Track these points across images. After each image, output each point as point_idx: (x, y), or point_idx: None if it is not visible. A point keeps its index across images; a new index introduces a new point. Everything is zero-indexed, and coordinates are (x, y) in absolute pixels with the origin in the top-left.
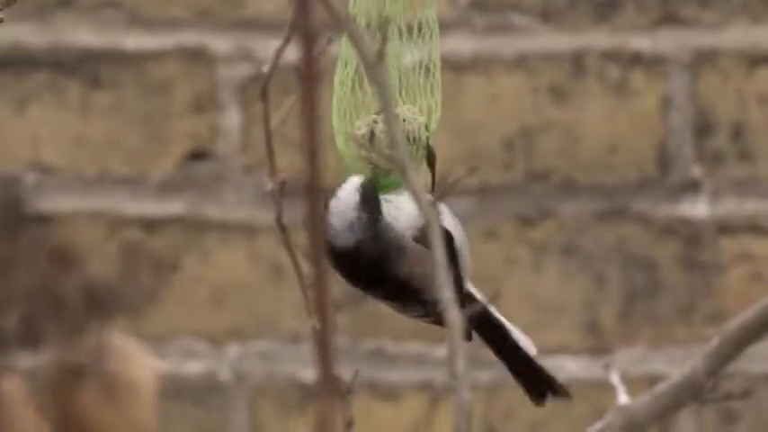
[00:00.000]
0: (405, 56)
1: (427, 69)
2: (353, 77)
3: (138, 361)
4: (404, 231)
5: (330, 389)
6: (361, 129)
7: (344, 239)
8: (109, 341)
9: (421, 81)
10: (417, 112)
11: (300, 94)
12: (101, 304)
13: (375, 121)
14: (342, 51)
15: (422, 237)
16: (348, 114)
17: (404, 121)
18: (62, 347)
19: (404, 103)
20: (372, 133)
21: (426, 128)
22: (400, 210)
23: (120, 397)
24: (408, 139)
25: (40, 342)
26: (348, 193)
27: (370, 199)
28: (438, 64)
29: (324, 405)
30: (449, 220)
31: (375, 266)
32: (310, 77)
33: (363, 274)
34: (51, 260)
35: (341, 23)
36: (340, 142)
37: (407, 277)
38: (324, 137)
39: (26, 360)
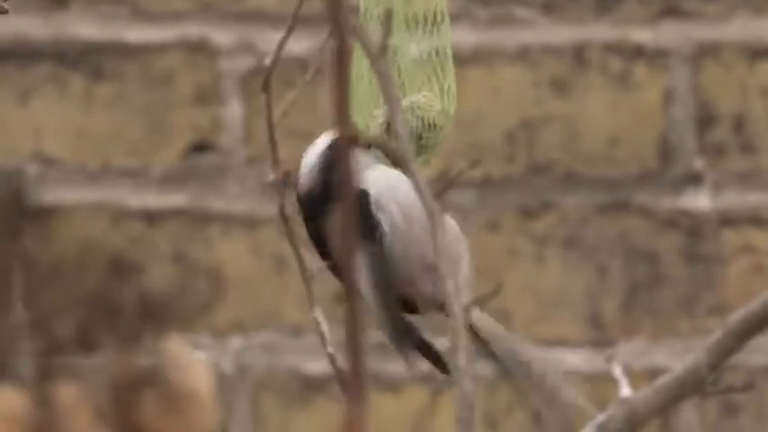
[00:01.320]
0: (415, 45)
1: (439, 58)
2: (370, 70)
3: (197, 369)
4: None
5: (359, 388)
6: (379, 118)
7: (304, 183)
8: (167, 350)
9: (435, 70)
10: (434, 99)
11: (332, 85)
12: (156, 314)
13: None
14: (358, 44)
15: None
16: (366, 107)
17: (419, 108)
18: (121, 356)
19: (419, 91)
20: (390, 123)
21: (445, 114)
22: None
23: (181, 406)
24: (427, 126)
25: (96, 349)
26: (321, 141)
27: (338, 150)
28: (450, 53)
29: (353, 405)
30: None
31: (327, 213)
32: (341, 69)
33: (317, 220)
34: (108, 268)
35: (346, 15)
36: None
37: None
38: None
39: (81, 366)
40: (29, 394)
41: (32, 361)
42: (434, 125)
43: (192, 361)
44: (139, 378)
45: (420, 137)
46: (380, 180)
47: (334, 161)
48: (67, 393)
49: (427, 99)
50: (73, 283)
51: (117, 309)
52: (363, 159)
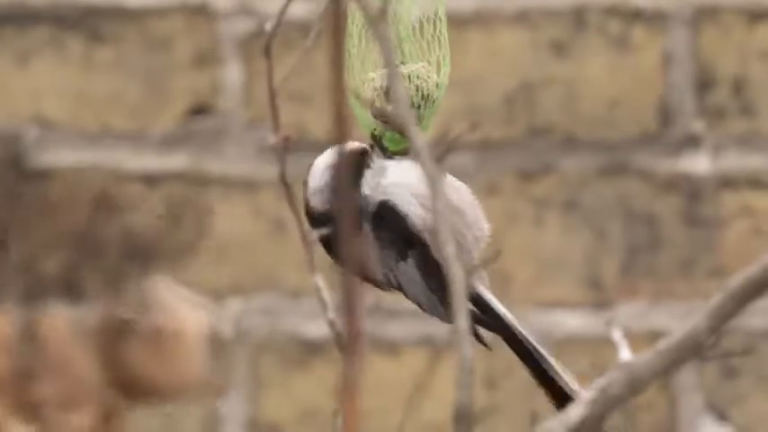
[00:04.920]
0: (411, 11)
1: (434, 24)
2: (360, 32)
3: (185, 311)
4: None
5: (355, 347)
6: (377, 81)
7: (317, 201)
8: (154, 292)
9: (428, 36)
10: (432, 70)
11: (329, 50)
12: (142, 253)
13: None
14: (351, 7)
15: (379, 213)
16: (356, 69)
17: (417, 78)
18: (107, 299)
19: (412, 59)
20: (389, 88)
21: (438, 86)
22: (385, 179)
23: (168, 349)
24: (423, 96)
25: (81, 291)
26: (327, 155)
27: (350, 166)
28: (444, 18)
29: (349, 364)
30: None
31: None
32: (337, 32)
33: (328, 239)
34: (94, 207)
35: None
36: (350, 97)
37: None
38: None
39: (67, 308)
40: (16, 323)
41: (19, 305)
42: (429, 96)
43: (182, 304)
44: (125, 321)
45: (418, 106)
46: (400, 185)
47: (337, 178)
48: (55, 324)
49: (426, 70)
50: (59, 221)
51: (102, 247)
52: (376, 165)
